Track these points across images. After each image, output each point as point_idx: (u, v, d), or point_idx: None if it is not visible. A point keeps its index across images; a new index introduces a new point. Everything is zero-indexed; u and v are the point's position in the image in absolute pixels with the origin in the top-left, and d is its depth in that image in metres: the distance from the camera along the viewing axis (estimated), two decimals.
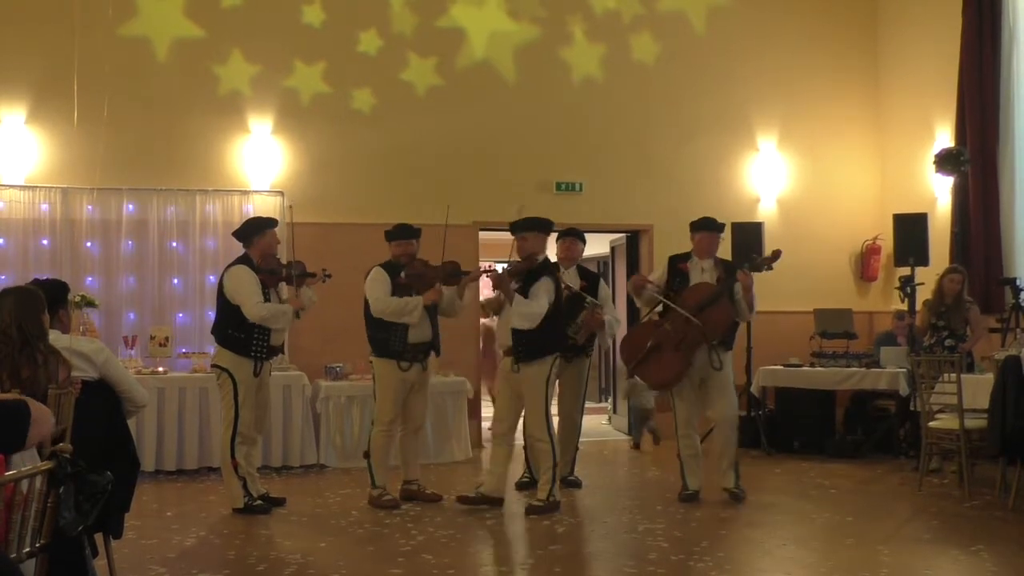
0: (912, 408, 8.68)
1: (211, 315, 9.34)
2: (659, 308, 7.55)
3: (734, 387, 7.51)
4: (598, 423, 11.95)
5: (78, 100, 8.86)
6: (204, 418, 8.74)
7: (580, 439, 8.34)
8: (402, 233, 7.37)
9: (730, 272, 7.38)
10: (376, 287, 7.18)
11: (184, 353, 9.25)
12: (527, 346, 6.96)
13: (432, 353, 7.42)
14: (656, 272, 7.90)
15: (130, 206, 9.43)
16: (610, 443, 10.79)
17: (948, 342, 8.62)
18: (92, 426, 4.79)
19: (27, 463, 2.74)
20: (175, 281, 9.56)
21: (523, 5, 10.62)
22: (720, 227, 7.65)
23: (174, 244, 9.55)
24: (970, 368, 8.18)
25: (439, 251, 7.26)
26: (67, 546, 2.83)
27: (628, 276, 11.24)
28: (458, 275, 7.31)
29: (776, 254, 7.40)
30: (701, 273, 7.44)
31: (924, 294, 9.06)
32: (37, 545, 2.63)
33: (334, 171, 10.03)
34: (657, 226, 10.92)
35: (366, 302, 7.24)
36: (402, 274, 7.19)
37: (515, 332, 6.96)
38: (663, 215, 10.82)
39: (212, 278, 9.47)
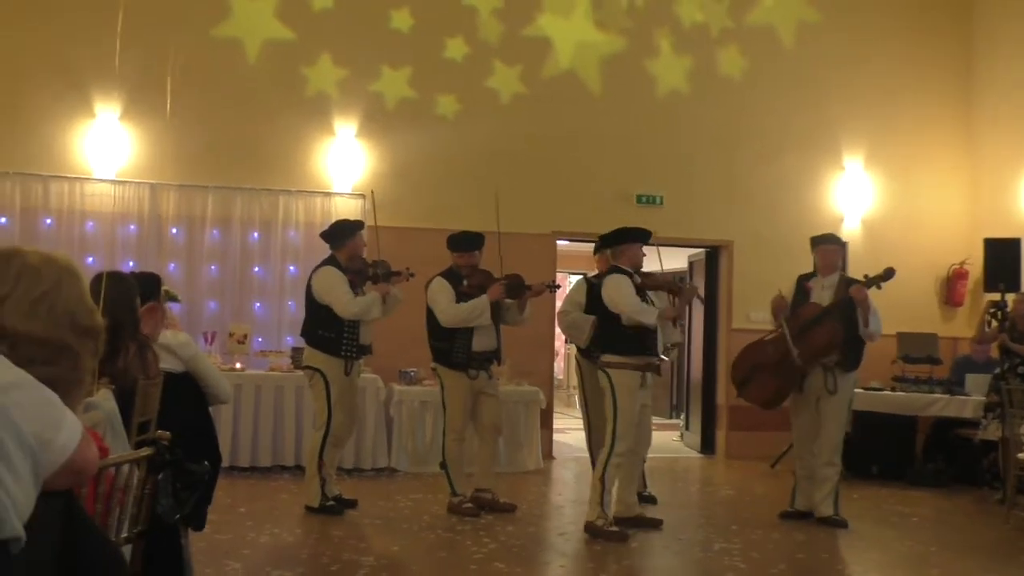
0: (1000, 435, 8.43)
1: (291, 305, 9.50)
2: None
3: (848, 414, 7.31)
4: (669, 439, 11.82)
5: (171, 98, 8.99)
6: (279, 416, 8.82)
7: (650, 454, 8.21)
8: (465, 243, 7.36)
9: (845, 289, 7.18)
10: (441, 297, 7.18)
11: (262, 351, 9.34)
12: None
13: (495, 361, 7.39)
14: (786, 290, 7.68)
15: (215, 204, 9.56)
16: (682, 460, 10.67)
17: (1021, 369, 8.42)
18: (176, 419, 4.82)
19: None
20: (256, 269, 9.66)
21: (610, 16, 10.55)
22: (840, 241, 7.51)
23: (256, 235, 9.66)
24: None
25: (515, 258, 7.27)
26: (164, 533, 2.84)
27: (706, 295, 11.14)
28: (521, 289, 7.29)
29: (889, 272, 7.21)
30: (822, 291, 7.28)
31: None
32: (135, 531, 2.64)
33: (416, 175, 10.07)
34: (737, 242, 10.78)
35: (429, 312, 7.25)
36: (464, 283, 7.19)
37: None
38: (743, 232, 10.69)
39: (293, 268, 9.58)
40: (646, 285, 6.77)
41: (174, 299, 9.11)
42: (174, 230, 9.51)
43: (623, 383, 6.54)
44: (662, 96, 10.64)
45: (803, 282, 7.43)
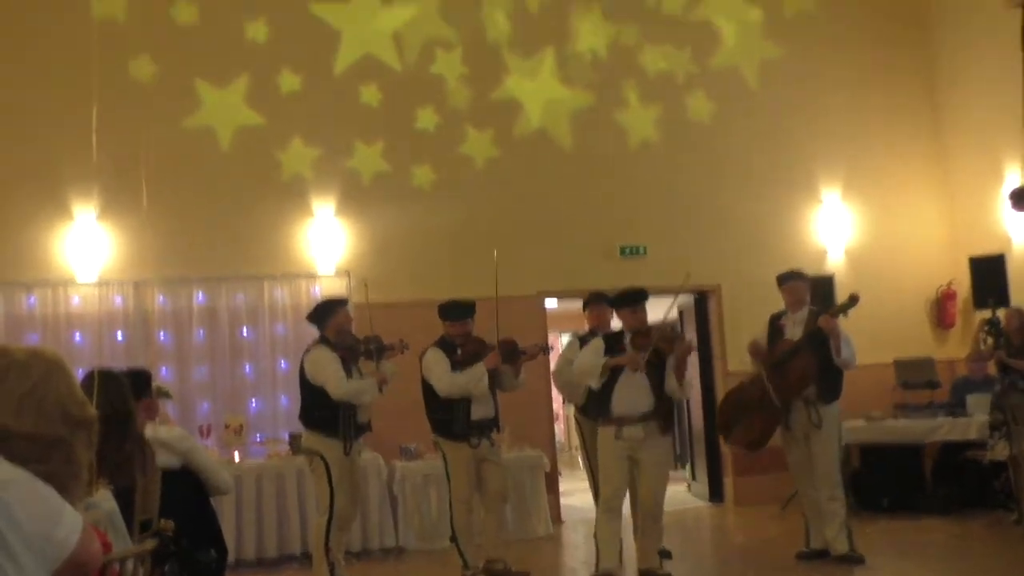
0: (1008, 454, 8.35)
1: (285, 401, 9.38)
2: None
3: (839, 445, 7.23)
4: (676, 491, 11.67)
5: (147, 193, 8.98)
6: (282, 505, 8.67)
7: None
8: (457, 312, 7.32)
9: (815, 322, 7.18)
10: (438, 368, 7.13)
11: (260, 441, 9.22)
12: (669, 412, 7.02)
13: (495, 429, 7.32)
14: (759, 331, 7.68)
15: (200, 295, 9.51)
16: (691, 510, 10.53)
17: (1021, 384, 8.40)
18: (178, 514, 4.71)
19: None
20: (247, 368, 9.56)
21: (576, 72, 10.64)
22: (804, 276, 7.52)
23: (244, 332, 9.58)
24: None
25: (502, 322, 7.23)
26: None
27: (699, 339, 11.11)
28: (516, 354, 7.25)
29: (853, 298, 7.24)
30: (793, 326, 7.29)
31: None
32: None
33: (398, 249, 10.05)
34: (725, 285, 10.77)
35: (425, 384, 7.19)
36: (458, 351, 7.14)
37: (664, 397, 6.82)
38: (730, 274, 10.69)
39: (284, 363, 9.47)
40: (636, 344, 6.75)
41: (166, 395, 9.01)
42: (161, 334, 9.40)
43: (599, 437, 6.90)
44: (634, 146, 10.69)
45: (775, 321, 7.48)
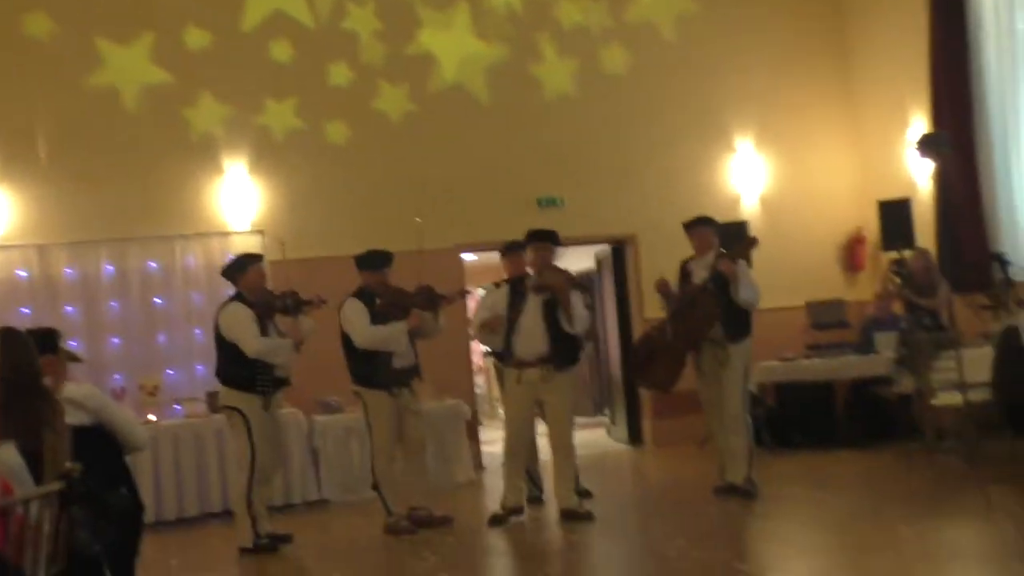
0: (909, 390, 8.65)
1: (201, 369, 9.26)
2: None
3: (744, 382, 7.35)
4: (596, 436, 11.89)
5: (50, 155, 8.79)
6: (202, 465, 8.61)
7: (580, 450, 8.24)
8: (375, 262, 7.32)
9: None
10: (357, 318, 7.13)
11: (178, 411, 9.11)
12: (568, 351, 7.06)
13: (416, 377, 7.36)
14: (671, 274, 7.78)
15: (109, 264, 9.32)
16: (611, 454, 10.73)
17: (926, 321, 8.69)
18: (92, 472, 4.67)
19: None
20: (161, 338, 9.42)
21: (491, 26, 10.56)
22: (710, 222, 7.64)
23: (158, 301, 9.43)
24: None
25: (422, 276, 7.24)
26: (87, 571, 2.74)
27: (616, 288, 11.27)
28: (435, 300, 7.28)
29: (751, 240, 7.42)
30: (701, 271, 7.38)
31: None
32: (54, 571, 2.54)
33: (314, 206, 9.97)
34: (641, 235, 10.90)
35: (344, 336, 7.18)
36: (377, 301, 7.14)
37: (561, 337, 6.94)
38: (646, 224, 10.80)
39: (199, 332, 9.34)
40: (535, 285, 7.09)
41: (75, 359, 8.85)
42: (69, 308, 9.16)
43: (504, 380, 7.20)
44: (551, 99, 10.66)
45: (684, 265, 7.60)
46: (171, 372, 9.38)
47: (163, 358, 9.39)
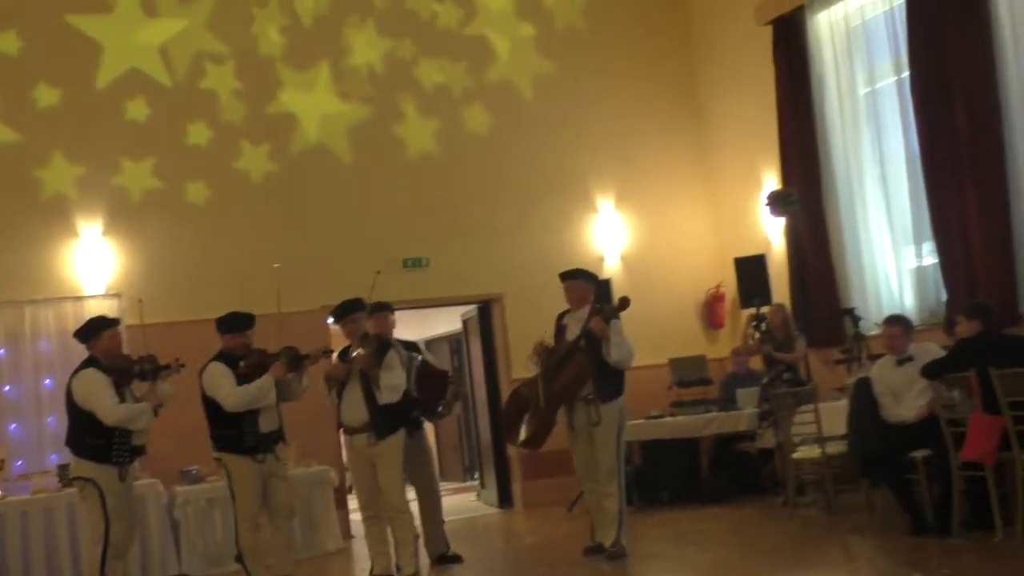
0: (771, 444, 8.88)
1: (51, 422, 8.83)
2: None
3: (618, 443, 7.22)
4: (466, 499, 11.78)
5: None
6: (50, 542, 8.13)
7: (449, 516, 8.14)
8: (237, 324, 7.09)
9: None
10: (223, 381, 6.88)
11: (23, 475, 8.65)
12: (388, 421, 6.99)
13: (280, 442, 7.19)
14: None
15: None
16: (481, 517, 10.63)
17: (786, 376, 8.97)
18: None
19: None
20: (7, 388, 8.97)
21: (352, 86, 10.63)
22: (585, 275, 7.59)
23: (2, 352, 8.99)
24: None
25: (284, 337, 7.08)
26: None
27: (484, 348, 11.24)
28: (299, 360, 7.13)
29: (624, 301, 7.24)
30: (575, 325, 7.31)
31: None
32: None
33: (173, 268, 9.69)
34: (508, 294, 10.95)
35: (207, 400, 6.93)
36: (241, 364, 6.95)
37: (376, 408, 6.91)
38: (513, 282, 10.86)
39: (49, 382, 8.94)
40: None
41: None
42: None
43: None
44: (414, 159, 10.76)
45: (560, 319, 7.54)
46: (15, 427, 8.94)
47: (8, 410, 8.96)
